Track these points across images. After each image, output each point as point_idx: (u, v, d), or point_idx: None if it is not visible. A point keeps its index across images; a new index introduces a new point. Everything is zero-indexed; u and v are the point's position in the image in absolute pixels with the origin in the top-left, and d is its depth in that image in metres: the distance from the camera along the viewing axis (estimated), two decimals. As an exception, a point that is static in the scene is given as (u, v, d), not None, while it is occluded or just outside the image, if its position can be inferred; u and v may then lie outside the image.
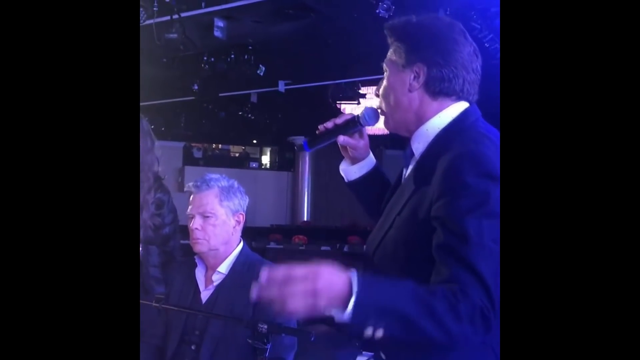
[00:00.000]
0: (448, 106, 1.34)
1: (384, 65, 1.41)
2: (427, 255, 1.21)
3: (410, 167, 1.38)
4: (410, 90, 1.34)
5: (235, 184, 2.09)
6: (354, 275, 1.09)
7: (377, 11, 5.37)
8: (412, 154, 1.38)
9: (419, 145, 1.36)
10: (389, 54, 1.40)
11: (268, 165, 17.40)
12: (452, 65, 1.32)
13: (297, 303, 1.06)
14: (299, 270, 1.09)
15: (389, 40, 1.41)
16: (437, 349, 1.22)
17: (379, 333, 1.09)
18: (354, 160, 1.57)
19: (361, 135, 1.52)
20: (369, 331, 1.08)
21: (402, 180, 1.41)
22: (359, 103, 8.89)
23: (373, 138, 1.63)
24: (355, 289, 1.07)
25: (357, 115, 1.48)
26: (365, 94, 8.99)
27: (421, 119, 1.35)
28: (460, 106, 1.34)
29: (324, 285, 1.07)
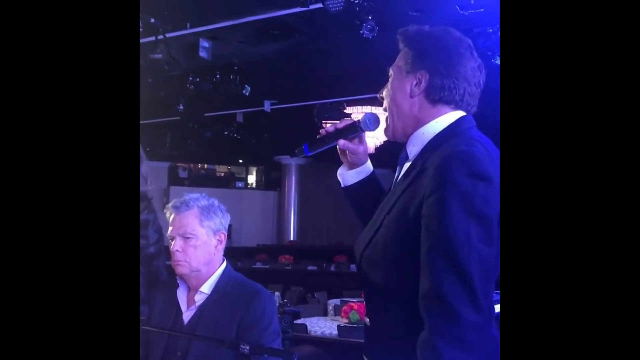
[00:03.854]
0: (445, 113, 1.38)
1: (390, 69, 1.45)
2: (417, 253, 1.24)
3: (404, 169, 1.41)
4: (411, 96, 1.39)
5: (216, 203, 2.06)
6: None
7: (361, 32, 5.42)
8: (407, 157, 1.42)
9: (413, 148, 1.40)
10: (397, 59, 1.45)
11: (254, 185, 17.38)
12: (454, 77, 1.36)
13: None
14: None
15: (400, 46, 1.46)
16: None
17: None
18: (352, 166, 1.59)
19: (361, 141, 1.55)
20: None
21: (394, 182, 1.43)
22: (344, 122, 8.91)
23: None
24: None
25: (358, 121, 1.50)
26: (351, 114, 9.03)
27: (419, 124, 1.39)
28: (457, 114, 1.38)
29: None
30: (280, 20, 5.90)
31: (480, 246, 1.17)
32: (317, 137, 1.53)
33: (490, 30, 5.70)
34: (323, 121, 8.98)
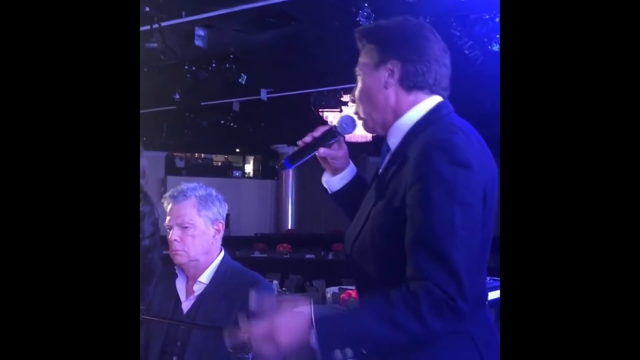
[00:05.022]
0: (422, 100, 1.37)
1: (357, 69, 1.44)
2: (404, 244, 1.24)
3: (385, 161, 1.40)
4: (386, 87, 1.38)
5: (213, 192, 2.06)
6: (311, 311, 1.19)
7: (358, 19, 5.40)
8: (388, 149, 1.41)
9: (394, 140, 1.39)
10: (360, 58, 1.43)
11: (251, 174, 17.39)
12: (425, 60, 1.36)
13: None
14: (261, 329, 1.20)
15: (360, 45, 1.44)
16: (415, 343, 1.24)
17: (349, 353, 1.17)
18: (335, 171, 1.57)
19: (340, 145, 1.52)
20: (337, 354, 1.18)
21: (377, 174, 1.43)
22: (341, 110, 8.91)
23: (355, 145, 1.64)
24: (314, 324, 1.18)
25: (335, 126, 1.48)
26: (347, 102, 9.01)
27: (397, 115, 1.38)
28: (434, 100, 1.38)
29: (286, 338, 1.18)
30: (276, 8, 5.87)
31: (464, 233, 1.17)
32: (296, 149, 1.50)
33: (487, 17, 5.67)
34: (320, 109, 8.96)
